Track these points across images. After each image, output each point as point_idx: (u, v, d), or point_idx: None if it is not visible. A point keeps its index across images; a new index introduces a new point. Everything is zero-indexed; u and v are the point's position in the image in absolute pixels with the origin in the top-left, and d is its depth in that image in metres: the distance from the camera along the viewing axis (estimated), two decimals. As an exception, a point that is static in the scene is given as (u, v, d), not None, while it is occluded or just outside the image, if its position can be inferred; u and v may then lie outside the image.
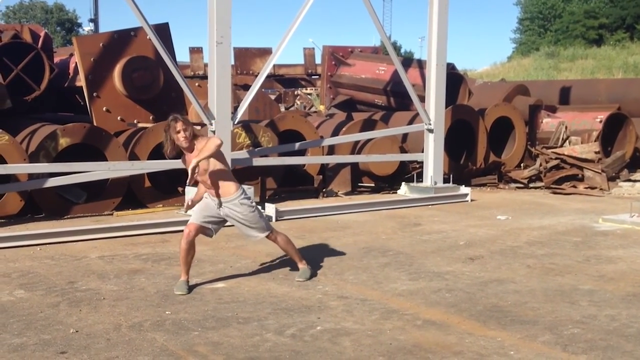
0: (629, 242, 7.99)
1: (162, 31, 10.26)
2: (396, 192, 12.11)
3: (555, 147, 13.63)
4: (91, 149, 9.72)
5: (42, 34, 12.98)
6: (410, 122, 12.76)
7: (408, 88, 11.71)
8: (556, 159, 13.23)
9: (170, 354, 4.40)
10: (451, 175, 12.18)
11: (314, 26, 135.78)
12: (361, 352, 4.44)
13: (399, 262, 6.98)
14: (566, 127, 13.87)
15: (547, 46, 48.47)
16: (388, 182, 12.63)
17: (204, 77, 16.88)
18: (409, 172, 12.61)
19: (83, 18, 66.85)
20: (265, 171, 11.12)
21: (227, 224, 6.28)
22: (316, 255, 7.23)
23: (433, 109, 11.73)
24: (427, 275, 6.47)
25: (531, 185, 13.20)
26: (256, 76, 11.07)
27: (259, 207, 6.13)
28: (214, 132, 9.51)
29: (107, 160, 9.57)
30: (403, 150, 12.81)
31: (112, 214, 9.70)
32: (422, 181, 11.90)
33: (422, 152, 11.94)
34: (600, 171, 12.70)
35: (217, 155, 5.85)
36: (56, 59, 13.37)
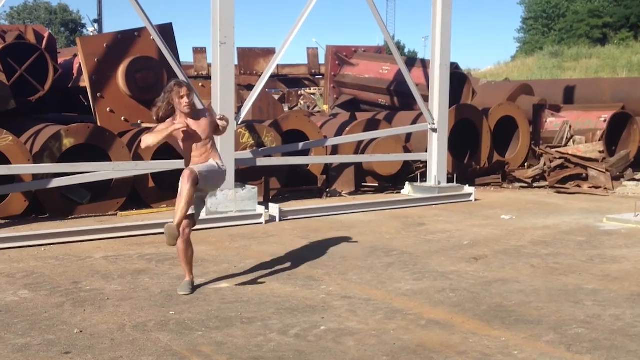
0: (634, 242, 7.97)
1: (166, 31, 10.27)
2: (400, 192, 12.10)
3: (560, 147, 13.60)
4: (95, 149, 9.73)
5: (46, 35, 13.02)
6: (414, 122, 12.75)
7: (412, 88, 11.71)
8: (560, 158, 13.21)
9: (174, 354, 4.40)
10: (455, 175, 12.17)
11: (318, 26, 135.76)
12: (365, 352, 4.44)
13: (403, 262, 6.97)
14: (570, 127, 13.85)
15: (551, 45, 48.37)
16: (392, 182, 12.62)
17: (208, 77, 16.92)
18: (412, 171, 12.61)
19: (87, 19, 66.89)
20: (268, 171, 11.13)
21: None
22: (320, 256, 7.23)
23: (437, 108, 11.71)
24: (431, 275, 6.46)
25: (535, 184, 13.18)
26: (260, 76, 11.07)
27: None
28: (217, 132, 9.50)
29: (111, 161, 9.59)
30: (407, 150, 12.80)
31: (116, 214, 9.72)
32: (425, 181, 11.89)
33: (426, 151, 11.93)
34: (604, 170, 12.67)
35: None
36: (60, 60, 13.40)
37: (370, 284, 6.15)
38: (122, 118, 10.42)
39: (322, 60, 20.34)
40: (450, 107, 12.13)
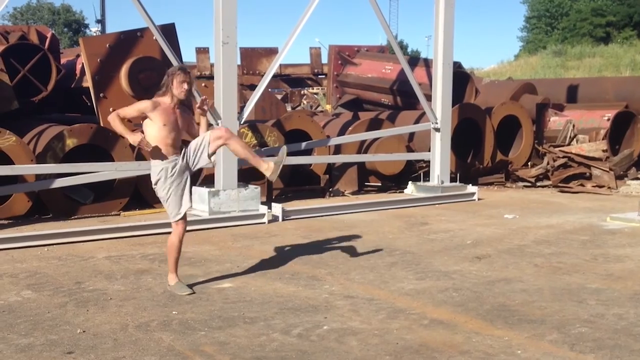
0: (637, 241, 7.95)
1: (169, 31, 10.27)
2: (403, 192, 12.10)
3: (563, 146, 13.59)
4: (98, 149, 9.74)
5: (49, 35, 13.03)
6: (417, 121, 12.75)
7: (414, 87, 11.70)
8: (564, 157, 13.19)
9: (177, 354, 4.40)
10: (458, 174, 12.16)
11: (320, 26, 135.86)
12: (368, 352, 4.43)
13: (406, 262, 6.97)
14: (574, 126, 13.83)
15: (554, 44, 48.28)
16: (395, 182, 12.62)
17: (211, 77, 16.90)
18: (415, 171, 12.60)
19: (90, 19, 67.01)
20: (271, 171, 11.11)
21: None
22: (323, 255, 7.23)
23: (440, 107, 11.70)
24: (434, 274, 6.45)
25: (538, 184, 13.16)
26: (262, 76, 11.06)
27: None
28: (220, 132, 9.50)
29: (114, 161, 9.60)
30: (410, 150, 12.79)
31: (119, 214, 9.73)
32: (429, 180, 11.89)
33: (429, 151, 11.92)
34: (608, 169, 12.65)
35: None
36: (63, 60, 13.42)
37: (373, 283, 6.14)
38: (126, 119, 10.40)
39: (324, 59, 20.31)
40: (453, 106, 12.12)
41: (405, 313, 5.24)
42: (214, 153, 5.86)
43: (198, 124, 5.97)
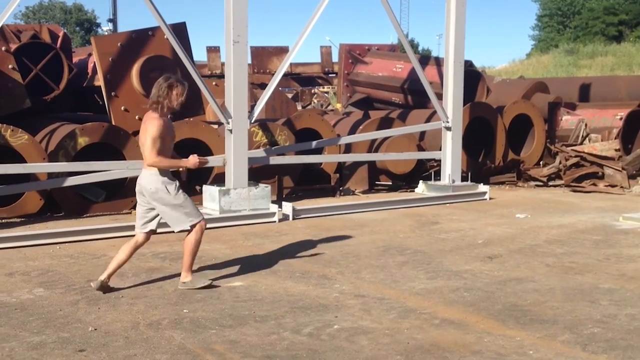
0: (650, 241, 7.90)
1: (180, 30, 10.29)
2: (414, 191, 12.07)
3: (575, 145, 13.51)
4: (110, 148, 9.78)
5: (60, 34, 13.08)
6: (428, 120, 12.71)
7: (425, 86, 11.66)
8: (576, 156, 13.12)
9: (188, 352, 4.41)
10: (469, 174, 12.11)
11: (331, 24, 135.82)
12: (379, 351, 4.42)
13: (417, 261, 6.95)
14: (586, 125, 13.75)
15: (566, 43, 48.08)
16: (405, 181, 12.59)
17: (221, 76, 16.91)
18: (426, 170, 12.56)
19: (102, 18, 67.30)
20: (282, 170, 11.13)
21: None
22: (333, 254, 7.22)
23: (451, 106, 11.67)
24: (445, 274, 6.43)
25: (550, 183, 13.10)
26: (273, 75, 11.07)
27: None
28: (230, 130, 9.53)
29: (125, 159, 9.63)
30: (420, 149, 12.75)
31: (130, 213, 9.75)
32: (439, 179, 11.85)
33: (440, 150, 11.88)
34: (620, 169, 12.56)
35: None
36: (75, 59, 13.46)
37: (384, 282, 6.13)
38: (137, 117, 10.43)
39: (335, 58, 20.30)
40: (464, 105, 12.08)
41: (416, 312, 5.23)
42: None
43: None
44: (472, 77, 14.07)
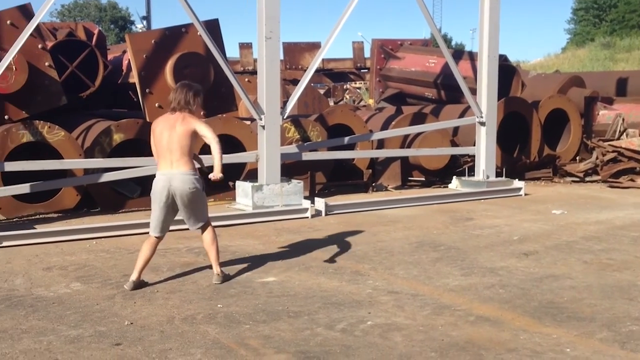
0: (691, 238, 7.72)
1: (213, 27, 10.34)
2: (447, 187, 11.98)
3: (612, 140, 13.26)
4: (144, 144, 9.87)
5: (95, 32, 13.24)
6: (462, 115, 12.58)
7: (459, 80, 11.56)
8: (613, 152, 12.87)
9: (222, 346, 4.43)
10: (504, 169, 11.98)
11: (363, 20, 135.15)
12: (412, 348, 4.39)
13: (451, 257, 6.89)
14: (623, 119, 13.48)
15: (602, 36, 47.22)
16: (439, 176, 12.50)
17: (254, 72, 16.97)
18: (460, 165, 12.46)
19: (135, 16, 68.00)
20: (314, 165, 11.13)
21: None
22: (366, 250, 7.20)
23: (485, 101, 11.55)
24: (479, 270, 6.37)
25: (587, 179, 12.89)
26: (305, 71, 11.06)
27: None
28: (263, 127, 9.56)
29: (159, 155, 9.70)
30: (454, 144, 12.65)
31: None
32: (473, 175, 11.74)
33: (474, 145, 11.77)
34: (659, 164, 12.30)
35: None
36: (110, 56, 13.63)
37: (418, 279, 6.09)
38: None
39: (367, 54, 20.25)
40: (498, 99, 11.94)
41: (451, 309, 5.18)
42: None
43: None
44: (507, 71, 13.90)
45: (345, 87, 23.04)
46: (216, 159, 5.82)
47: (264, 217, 9.04)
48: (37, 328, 4.78)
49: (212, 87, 10.76)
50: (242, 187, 9.62)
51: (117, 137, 9.63)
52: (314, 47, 19.44)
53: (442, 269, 6.44)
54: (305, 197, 9.73)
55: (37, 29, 9.47)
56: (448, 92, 14.32)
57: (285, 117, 10.08)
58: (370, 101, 17.85)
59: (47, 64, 9.80)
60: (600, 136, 13.60)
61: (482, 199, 10.81)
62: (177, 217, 6.02)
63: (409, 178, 12.49)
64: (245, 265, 6.53)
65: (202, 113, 5.73)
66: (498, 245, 7.45)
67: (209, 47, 9.50)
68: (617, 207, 9.95)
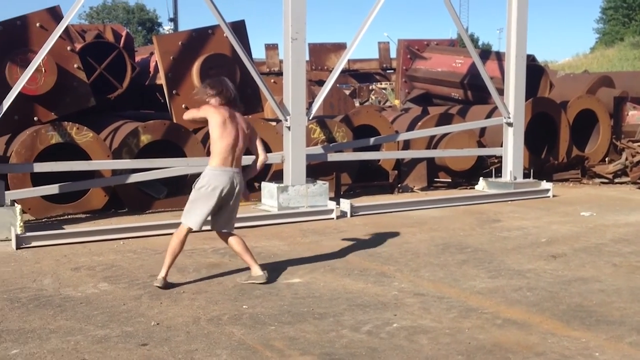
0: None
1: (239, 28, 10.38)
2: (473, 188, 11.88)
3: (643, 141, 13.05)
4: (171, 145, 9.95)
5: (123, 34, 13.36)
6: (489, 116, 12.48)
7: (486, 81, 11.46)
8: (643, 152, 12.68)
9: (248, 347, 4.44)
10: (531, 170, 11.85)
11: (389, 20, 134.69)
12: (439, 351, 4.36)
13: (478, 259, 6.83)
14: (654, 120, 13.27)
15: (632, 36, 46.49)
16: (465, 178, 12.40)
17: (280, 73, 17.02)
18: (487, 167, 12.35)
19: (163, 17, 68.57)
20: (339, 166, 11.12)
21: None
22: (392, 252, 7.17)
23: (512, 102, 11.44)
24: (507, 273, 6.30)
25: (616, 180, 12.70)
26: (331, 71, 11.06)
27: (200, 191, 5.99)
28: (288, 128, 9.57)
29: (186, 157, 9.78)
30: (481, 145, 12.55)
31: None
32: (501, 176, 11.63)
33: (501, 146, 11.67)
34: (691, 165, 12.09)
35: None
36: (137, 58, 13.74)
37: (444, 281, 6.05)
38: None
39: (393, 54, 20.16)
40: (526, 100, 11.82)
41: (478, 312, 5.14)
42: None
43: None
44: (535, 71, 13.74)
45: (370, 87, 22.96)
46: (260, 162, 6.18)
47: (289, 218, 9.04)
48: (65, 328, 4.83)
49: (238, 88, 10.78)
50: (268, 188, 9.64)
51: (145, 138, 9.70)
52: (340, 47, 19.42)
53: (468, 271, 6.38)
54: (331, 198, 9.73)
55: (66, 31, 9.59)
56: (475, 92, 14.20)
57: (310, 118, 10.08)
58: (396, 102, 17.77)
59: (75, 65, 9.91)
60: (630, 137, 13.40)
61: (509, 201, 10.71)
62: (178, 220, 6.11)
63: (435, 179, 12.42)
64: (270, 266, 6.53)
65: None
66: (525, 247, 7.37)
67: (235, 48, 9.54)
68: (648, 209, 9.79)
